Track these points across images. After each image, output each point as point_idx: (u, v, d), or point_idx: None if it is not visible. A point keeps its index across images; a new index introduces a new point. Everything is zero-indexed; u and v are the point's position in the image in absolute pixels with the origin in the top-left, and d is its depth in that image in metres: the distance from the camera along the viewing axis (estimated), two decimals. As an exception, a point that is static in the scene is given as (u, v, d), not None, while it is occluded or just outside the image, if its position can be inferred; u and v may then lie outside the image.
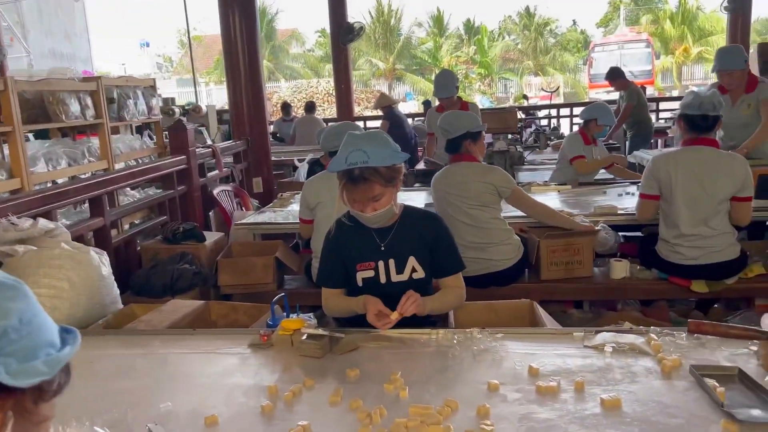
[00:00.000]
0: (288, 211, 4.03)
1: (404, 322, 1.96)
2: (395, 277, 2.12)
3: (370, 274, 2.12)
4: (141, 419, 1.50)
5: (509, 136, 6.08)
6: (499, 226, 3.19)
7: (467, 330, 1.91)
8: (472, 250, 3.07)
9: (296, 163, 6.17)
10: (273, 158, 5.88)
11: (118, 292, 2.58)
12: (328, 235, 2.19)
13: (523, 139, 7.15)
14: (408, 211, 2.16)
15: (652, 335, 1.79)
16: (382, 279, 2.12)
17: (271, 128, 9.05)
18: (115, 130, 5.31)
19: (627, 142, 6.89)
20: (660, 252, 3.12)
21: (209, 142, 6.50)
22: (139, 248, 3.73)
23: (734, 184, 2.86)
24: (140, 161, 5.08)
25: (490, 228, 3.15)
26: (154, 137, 5.92)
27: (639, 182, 4.18)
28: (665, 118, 9.46)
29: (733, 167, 2.87)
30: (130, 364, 1.86)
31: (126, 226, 3.83)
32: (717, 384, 1.48)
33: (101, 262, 2.45)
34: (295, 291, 3.42)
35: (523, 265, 3.25)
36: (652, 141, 7.42)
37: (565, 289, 3.23)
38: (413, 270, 2.13)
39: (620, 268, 3.21)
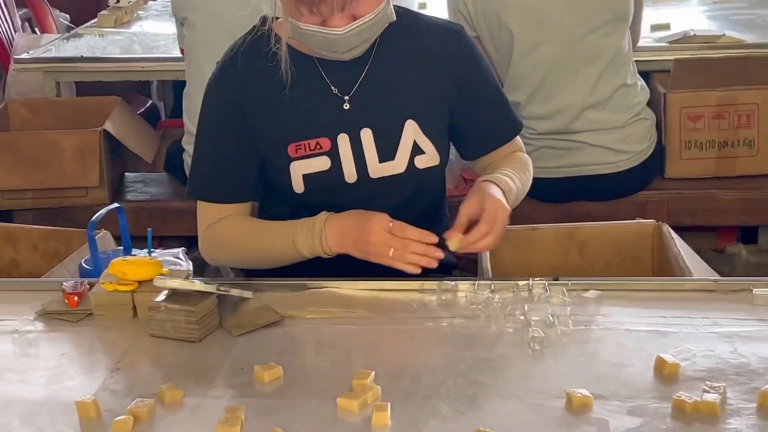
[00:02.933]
0: (133, 35, 2.30)
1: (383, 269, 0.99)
2: (377, 168, 1.06)
3: (322, 164, 1.05)
4: None
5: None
6: (632, 77, 1.73)
7: (519, 280, 1.00)
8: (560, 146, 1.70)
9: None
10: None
11: None
12: (213, 83, 1.11)
13: None
14: (402, 24, 1.07)
15: None
16: (348, 173, 1.06)
17: None
18: None
19: None
20: None
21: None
22: None
23: None
24: None
25: (615, 85, 1.69)
26: None
27: None
28: None
29: None
30: None
31: None
32: None
33: None
34: (149, 205, 2.08)
35: (656, 164, 1.81)
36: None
37: (722, 201, 1.79)
38: (416, 149, 1.06)
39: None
